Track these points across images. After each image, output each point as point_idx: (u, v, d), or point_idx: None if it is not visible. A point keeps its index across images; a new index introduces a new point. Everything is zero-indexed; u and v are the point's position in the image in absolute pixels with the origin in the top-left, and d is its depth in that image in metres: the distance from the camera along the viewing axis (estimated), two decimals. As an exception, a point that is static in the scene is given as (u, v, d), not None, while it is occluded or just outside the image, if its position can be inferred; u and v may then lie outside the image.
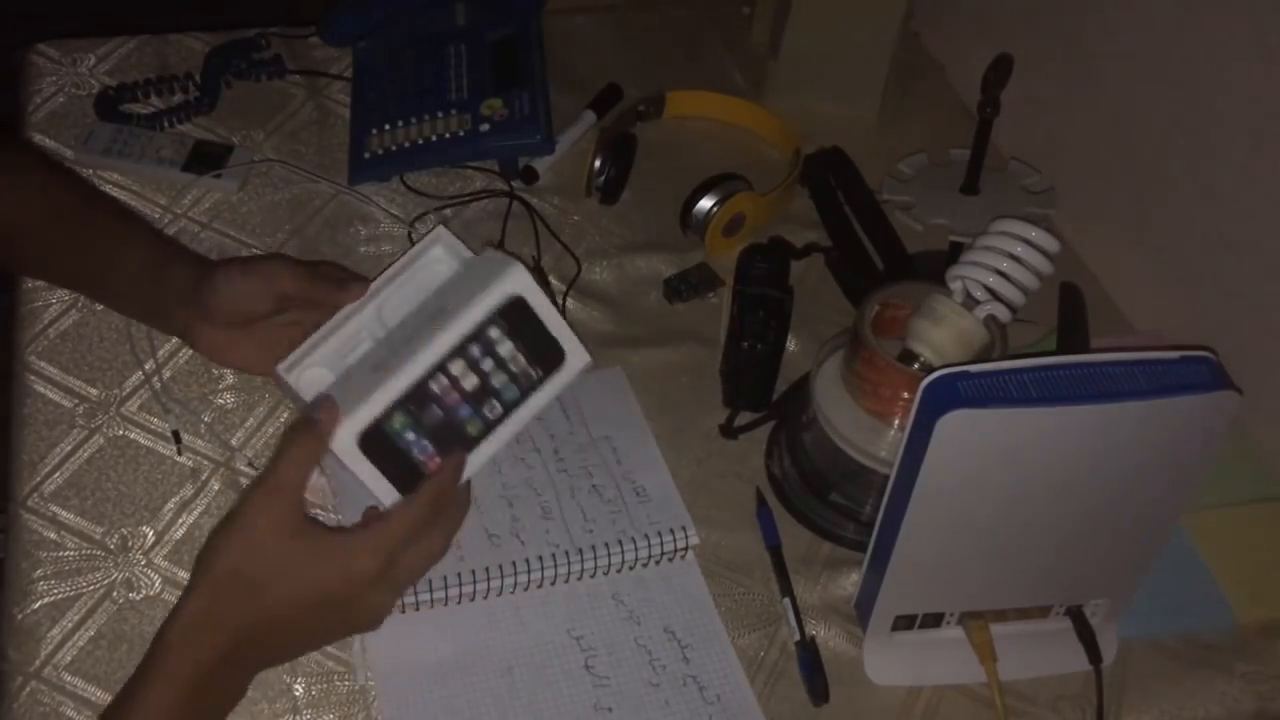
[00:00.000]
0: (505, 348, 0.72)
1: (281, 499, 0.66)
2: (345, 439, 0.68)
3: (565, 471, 0.84)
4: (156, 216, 0.97)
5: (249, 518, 0.66)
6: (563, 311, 0.94)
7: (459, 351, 0.71)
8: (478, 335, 0.71)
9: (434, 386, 0.70)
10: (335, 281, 0.78)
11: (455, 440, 0.71)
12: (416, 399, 0.70)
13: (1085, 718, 0.76)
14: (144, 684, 0.64)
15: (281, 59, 1.10)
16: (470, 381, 0.71)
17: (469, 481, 0.73)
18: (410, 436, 0.70)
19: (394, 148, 1.02)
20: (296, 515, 0.66)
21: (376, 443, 0.69)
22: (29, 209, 0.84)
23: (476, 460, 0.72)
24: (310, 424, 0.68)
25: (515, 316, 0.72)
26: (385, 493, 0.70)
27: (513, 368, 0.72)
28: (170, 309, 0.82)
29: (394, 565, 0.68)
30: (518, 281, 0.72)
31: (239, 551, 0.65)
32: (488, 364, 0.71)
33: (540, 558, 0.78)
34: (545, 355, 0.73)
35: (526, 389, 0.72)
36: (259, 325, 0.80)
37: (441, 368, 0.70)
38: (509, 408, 0.72)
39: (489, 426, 0.72)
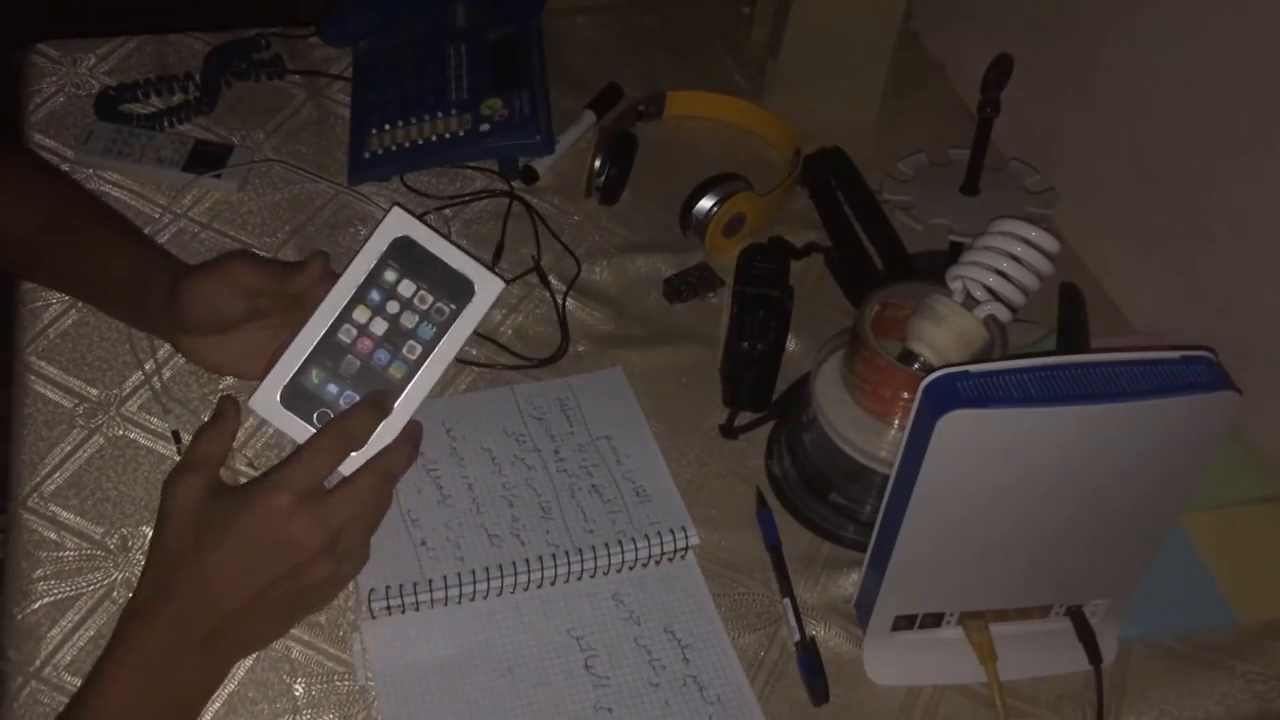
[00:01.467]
0: (407, 288, 0.75)
1: (194, 474, 0.70)
2: (264, 398, 0.74)
3: (565, 471, 0.84)
4: (157, 216, 0.97)
5: (170, 501, 0.70)
6: (563, 310, 0.94)
7: (359, 299, 0.75)
8: (374, 281, 0.75)
9: (342, 337, 0.75)
10: (294, 266, 0.78)
11: (380, 386, 0.74)
12: (329, 351, 0.74)
13: (1085, 718, 0.76)
14: (102, 665, 0.67)
15: (281, 59, 1.10)
16: (380, 326, 0.75)
17: (418, 428, 0.75)
18: (332, 389, 0.74)
19: (394, 148, 1.02)
20: (210, 483, 0.70)
21: (301, 400, 0.74)
22: (20, 218, 0.84)
23: (410, 401, 0.75)
24: (218, 410, 0.75)
25: (407, 257, 0.75)
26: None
27: (421, 306, 0.75)
28: (156, 321, 0.83)
29: (318, 505, 0.69)
30: (399, 223, 0.75)
31: (169, 530, 0.69)
32: (393, 307, 0.75)
33: (540, 558, 0.78)
34: (453, 289, 0.75)
35: (442, 324, 0.75)
36: (239, 330, 0.80)
37: (346, 318, 0.74)
38: (429, 346, 0.75)
39: (413, 367, 0.75)
